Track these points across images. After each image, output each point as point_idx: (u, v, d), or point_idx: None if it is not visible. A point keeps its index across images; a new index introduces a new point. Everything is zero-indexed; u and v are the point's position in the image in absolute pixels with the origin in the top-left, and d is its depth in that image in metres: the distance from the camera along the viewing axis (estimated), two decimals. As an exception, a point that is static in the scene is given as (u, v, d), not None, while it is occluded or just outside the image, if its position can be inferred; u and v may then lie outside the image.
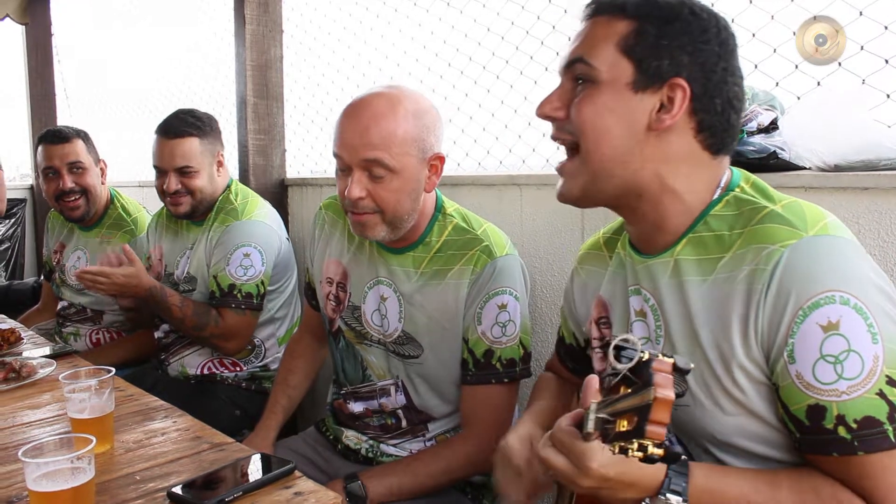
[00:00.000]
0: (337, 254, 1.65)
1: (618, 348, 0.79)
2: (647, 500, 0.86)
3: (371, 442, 1.61)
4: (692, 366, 0.76)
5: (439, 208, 1.55)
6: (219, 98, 3.50)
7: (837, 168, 1.33)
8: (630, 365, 0.74)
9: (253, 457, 1.19)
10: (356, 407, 1.62)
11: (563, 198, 1.05)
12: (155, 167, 2.17)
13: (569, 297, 1.29)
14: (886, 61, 1.34)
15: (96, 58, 4.66)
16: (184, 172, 2.12)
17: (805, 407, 0.87)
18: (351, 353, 1.63)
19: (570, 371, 1.34)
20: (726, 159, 1.02)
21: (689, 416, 0.98)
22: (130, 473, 1.16)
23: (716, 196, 1.00)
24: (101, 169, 2.57)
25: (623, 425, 0.73)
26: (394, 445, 1.59)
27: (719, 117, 0.97)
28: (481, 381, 1.47)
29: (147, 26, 4.22)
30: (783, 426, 0.92)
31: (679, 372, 0.74)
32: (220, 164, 2.21)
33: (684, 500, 0.85)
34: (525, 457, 1.07)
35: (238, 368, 2.20)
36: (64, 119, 4.41)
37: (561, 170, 1.04)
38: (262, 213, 2.21)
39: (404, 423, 1.57)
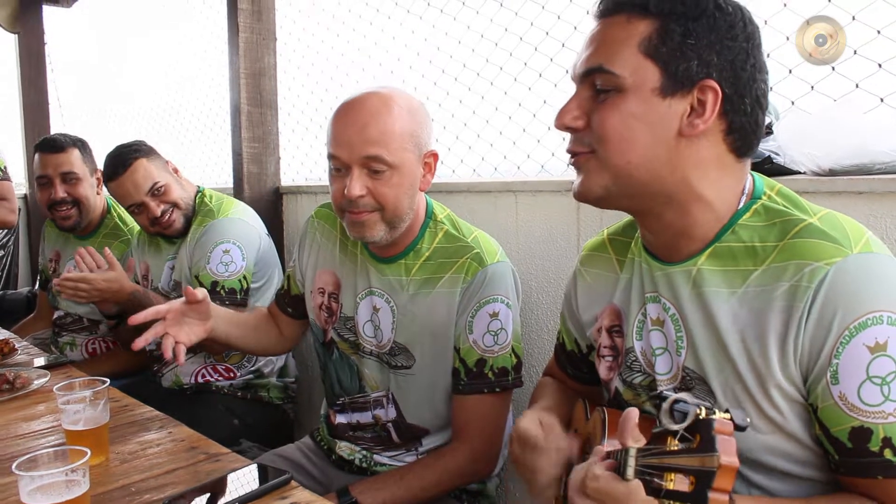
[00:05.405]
0: (329, 264, 1.62)
1: (670, 402, 0.73)
2: None
3: (364, 453, 1.60)
4: (749, 421, 0.74)
5: (430, 214, 1.53)
6: (212, 106, 3.50)
7: (832, 172, 1.33)
8: (685, 424, 0.71)
9: (249, 467, 1.19)
10: (351, 418, 1.60)
11: (582, 196, 0.98)
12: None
13: (570, 300, 1.24)
14: (880, 65, 1.34)
15: (91, 67, 4.65)
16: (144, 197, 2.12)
17: (848, 429, 0.84)
18: (346, 363, 1.61)
19: (570, 377, 1.31)
20: (749, 163, 0.97)
21: None
22: (126, 485, 1.15)
23: (742, 204, 0.95)
24: (98, 179, 2.53)
25: (672, 481, 0.70)
26: (387, 457, 1.58)
27: (748, 118, 0.92)
28: (473, 391, 1.45)
29: (141, 35, 4.22)
30: (818, 446, 0.90)
31: (736, 429, 0.71)
32: (175, 170, 2.22)
33: None
34: (541, 432, 1.02)
35: (232, 375, 2.18)
36: (57, 128, 4.40)
37: (577, 164, 0.97)
38: (238, 210, 2.23)
39: (395, 437, 1.56)
